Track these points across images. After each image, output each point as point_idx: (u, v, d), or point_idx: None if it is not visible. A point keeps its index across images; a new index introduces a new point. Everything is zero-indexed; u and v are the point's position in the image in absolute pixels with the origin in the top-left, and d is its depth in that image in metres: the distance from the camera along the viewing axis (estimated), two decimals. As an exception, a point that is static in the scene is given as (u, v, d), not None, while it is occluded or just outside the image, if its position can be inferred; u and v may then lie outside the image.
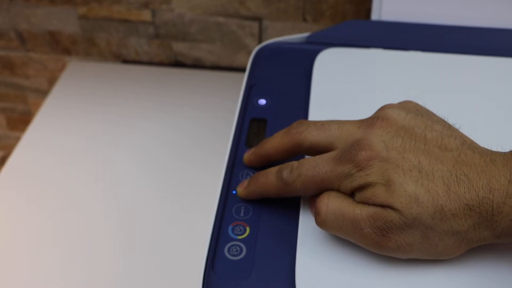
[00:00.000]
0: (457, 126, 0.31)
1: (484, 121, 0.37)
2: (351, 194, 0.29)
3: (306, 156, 0.34)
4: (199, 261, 0.32)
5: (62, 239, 0.52)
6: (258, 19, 0.66)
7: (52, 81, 0.79)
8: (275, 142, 0.33)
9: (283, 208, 0.33)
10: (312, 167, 0.30)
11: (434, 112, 0.32)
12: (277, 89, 0.42)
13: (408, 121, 0.30)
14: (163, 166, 0.59)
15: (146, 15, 0.68)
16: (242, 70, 0.72)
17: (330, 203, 0.29)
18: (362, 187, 0.28)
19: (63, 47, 0.74)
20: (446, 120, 0.31)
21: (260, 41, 0.68)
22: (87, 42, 0.73)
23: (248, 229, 0.33)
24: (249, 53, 0.70)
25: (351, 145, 0.29)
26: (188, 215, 0.54)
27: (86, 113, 0.66)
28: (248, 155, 0.36)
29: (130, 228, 0.53)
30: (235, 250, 0.31)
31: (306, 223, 0.32)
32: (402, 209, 0.27)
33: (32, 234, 0.53)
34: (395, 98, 0.38)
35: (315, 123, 0.32)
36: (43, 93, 0.81)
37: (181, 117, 0.65)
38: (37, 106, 0.82)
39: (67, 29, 0.72)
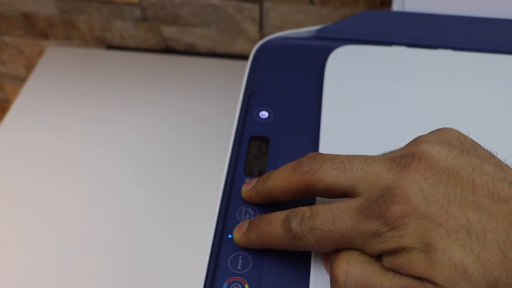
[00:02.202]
0: (508, 162, 0.24)
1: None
2: (377, 256, 0.23)
3: (319, 198, 0.28)
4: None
5: (40, 238, 0.48)
6: (258, 1, 0.58)
7: (29, 68, 0.72)
8: (281, 180, 0.27)
9: (290, 260, 0.27)
10: (329, 220, 0.23)
11: (478, 133, 0.26)
12: (282, 98, 0.36)
13: (452, 161, 0.23)
14: (151, 165, 0.54)
15: (131, -5, 0.61)
16: (240, 57, 0.65)
17: (351, 269, 0.23)
18: (394, 251, 0.22)
19: (39, 30, 0.67)
20: (495, 154, 0.24)
21: (260, 26, 0.61)
22: (66, 25, 0.66)
23: (247, 287, 0.26)
24: (249, 39, 0.63)
25: (380, 195, 0.23)
26: (181, 224, 0.49)
27: (67, 103, 0.61)
28: (247, 190, 0.29)
29: (113, 240, 0.48)
30: (231, 316, 0.26)
31: (319, 281, 0.26)
32: (445, 284, 0.21)
33: (12, 232, 0.48)
34: (426, 109, 0.33)
35: (331, 159, 0.25)
36: (21, 80, 0.74)
37: (173, 109, 0.59)
38: (15, 93, 0.75)
39: (43, 11, 0.65)
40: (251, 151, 0.33)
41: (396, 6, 0.42)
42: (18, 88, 0.75)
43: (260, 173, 0.31)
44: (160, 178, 0.52)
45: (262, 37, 0.62)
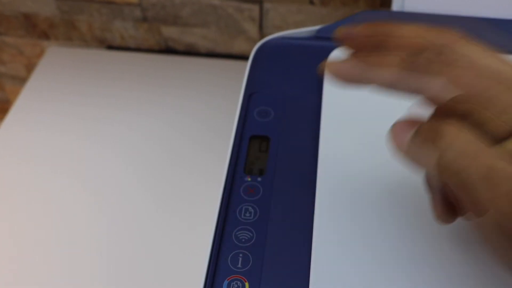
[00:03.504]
0: None
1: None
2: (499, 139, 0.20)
3: None
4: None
5: (39, 238, 0.47)
6: (258, 1, 0.58)
7: (30, 68, 0.72)
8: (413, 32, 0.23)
9: (290, 258, 0.27)
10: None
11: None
12: (282, 97, 0.36)
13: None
14: (152, 165, 0.54)
15: (131, -4, 0.61)
16: (240, 57, 0.65)
17: (463, 135, 0.20)
18: None
19: (40, 30, 0.67)
20: None
21: (260, 26, 0.61)
22: (66, 26, 0.66)
23: (247, 286, 0.26)
24: (249, 39, 0.63)
25: None
26: (181, 224, 0.49)
27: (67, 103, 0.61)
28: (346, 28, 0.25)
29: (113, 241, 0.48)
30: (231, 314, 0.26)
31: (317, 280, 0.26)
32: None
33: (12, 232, 0.48)
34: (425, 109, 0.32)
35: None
36: (21, 80, 0.74)
37: (173, 109, 0.59)
38: (16, 93, 0.75)
39: (44, 11, 0.65)
40: (252, 150, 0.33)
41: (395, 6, 0.42)
42: (18, 88, 0.75)
43: (260, 172, 0.31)
44: (160, 178, 0.52)
45: (262, 37, 0.62)
